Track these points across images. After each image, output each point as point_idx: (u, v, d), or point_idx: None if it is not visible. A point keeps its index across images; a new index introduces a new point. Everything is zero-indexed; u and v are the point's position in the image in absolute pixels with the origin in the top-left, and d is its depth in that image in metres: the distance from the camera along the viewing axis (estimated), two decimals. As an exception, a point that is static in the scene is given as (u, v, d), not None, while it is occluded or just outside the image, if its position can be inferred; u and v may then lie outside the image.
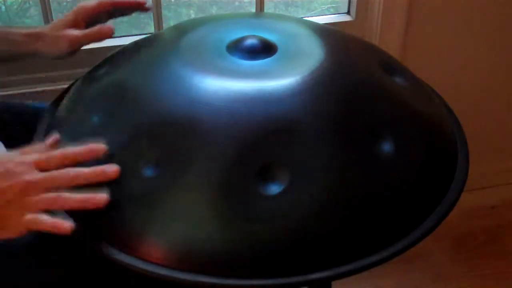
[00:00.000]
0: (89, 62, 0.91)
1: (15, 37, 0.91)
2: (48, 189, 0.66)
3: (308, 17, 1.39)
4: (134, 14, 0.97)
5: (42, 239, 0.79)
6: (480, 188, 1.62)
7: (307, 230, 0.67)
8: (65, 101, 0.86)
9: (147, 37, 0.95)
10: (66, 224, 0.64)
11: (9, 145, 0.86)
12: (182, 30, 0.87)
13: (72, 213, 0.73)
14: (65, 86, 0.92)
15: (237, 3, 1.70)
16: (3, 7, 1.51)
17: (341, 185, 0.69)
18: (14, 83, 1.22)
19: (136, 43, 0.90)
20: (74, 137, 0.77)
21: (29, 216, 0.65)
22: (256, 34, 0.82)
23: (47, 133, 0.82)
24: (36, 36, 0.90)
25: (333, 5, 1.44)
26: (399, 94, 0.80)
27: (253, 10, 1.32)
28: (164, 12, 1.26)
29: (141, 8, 0.95)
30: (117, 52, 0.89)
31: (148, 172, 0.69)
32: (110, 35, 0.89)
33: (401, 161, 0.73)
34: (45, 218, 0.65)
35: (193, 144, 0.69)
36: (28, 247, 0.77)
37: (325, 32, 0.87)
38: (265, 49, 0.80)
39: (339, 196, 0.69)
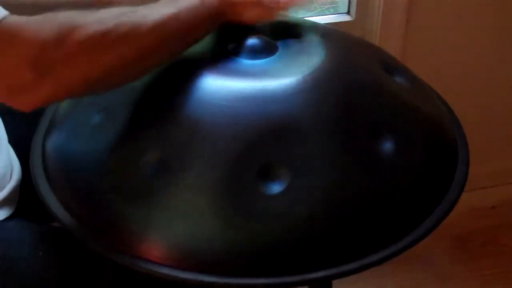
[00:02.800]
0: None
1: None
2: None
3: (308, 17, 1.38)
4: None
5: (42, 239, 0.79)
6: (480, 188, 1.61)
7: (307, 229, 0.67)
8: (66, 100, 0.86)
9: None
10: None
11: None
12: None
13: (72, 213, 0.73)
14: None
15: (237, 3, 1.69)
16: (3, 7, 1.50)
17: (341, 184, 0.69)
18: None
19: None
20: (75, 135, 0.77)
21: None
22: (257, 34, 0.82)
23: (47, 132, 0.82)
24: None
25: (333, 5, 1.44)
26: (399, 94, 0.80)
27: (253, 10, 1.32)
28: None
29: None
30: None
31: (149, 171, 0.69)
32: None
33: (401, 161, 0.73)
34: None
35: (194, 143, 0.69)
36: (28, 247, 0.77)
37: (326, 32, 0.87)
38: (266, 49, 0.80)
39: (339, 196, 0.69)
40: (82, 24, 0.64)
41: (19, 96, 0.65)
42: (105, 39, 0.65)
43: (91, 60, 0.65)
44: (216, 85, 0.74)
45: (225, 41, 0.82)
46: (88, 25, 0.64)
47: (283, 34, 0.83)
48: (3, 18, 0.62)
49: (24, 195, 0.86)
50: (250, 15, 0.78)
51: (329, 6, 1.44)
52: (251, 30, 0.81)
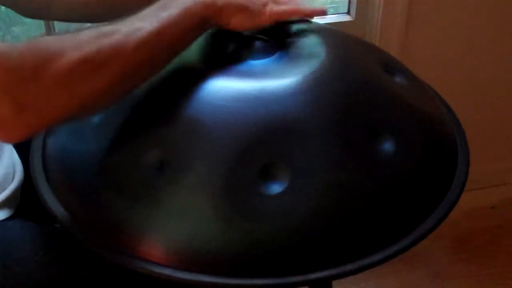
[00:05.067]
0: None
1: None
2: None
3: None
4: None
5: (42, 239, 0.79)
6: (480, 188, 1.62)
7: (307, 229, 0.67)
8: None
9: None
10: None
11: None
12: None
13: (72, 214, 0.73)
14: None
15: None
16: (3, 7, 1.50)
17: (341, 184, 0.69)
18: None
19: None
20: (75, 135, 0.77)
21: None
22: (257, 34, 0.82)
23: (48, 132, 0.82)
24: None
25: (333, 5, 1.44)
26: (399, 94, 0.80)
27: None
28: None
29: None
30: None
31: (149, 171, 0.69)
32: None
33: (401, 161, 0.73)
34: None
35: (195, 144, 0.69)
36: (28, 247, 0.77)
37: (326, 32, 0.87)
38: (266, 49, 0.80)
39: (339, 196, 0.69)
40: (60, 53, 0.61)
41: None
42: (85, 67, 0.63)
43: (71, 92, 0.62)
44: (216, 85, 0.74)
45: (225, 42, 0.82)
46: (66, 54, 0.61)
47: (283, 34, 0.83)
48: None
49: (26, 196, 0.86)
50: (237, 22, 0.77)
51: (329, 6, 1.44)
52: (249, 32, 0.82)
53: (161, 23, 0.68)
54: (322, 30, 0.88)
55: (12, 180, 0.85)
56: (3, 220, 0.81)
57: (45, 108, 0.62)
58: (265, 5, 0.79)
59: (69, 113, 0.64)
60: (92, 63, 0.63)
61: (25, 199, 0.86)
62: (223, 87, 0.74)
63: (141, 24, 0.67)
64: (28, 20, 1.54)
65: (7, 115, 0.60)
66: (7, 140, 0.64)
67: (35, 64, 0.61)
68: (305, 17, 0.85)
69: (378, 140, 0.73)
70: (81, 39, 0.64)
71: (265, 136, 0.69)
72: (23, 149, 0.86)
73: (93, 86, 0.64)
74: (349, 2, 1.36)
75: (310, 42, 0.82)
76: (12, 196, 0.84)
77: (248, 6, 0.77)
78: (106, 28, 0.66)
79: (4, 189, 0.83)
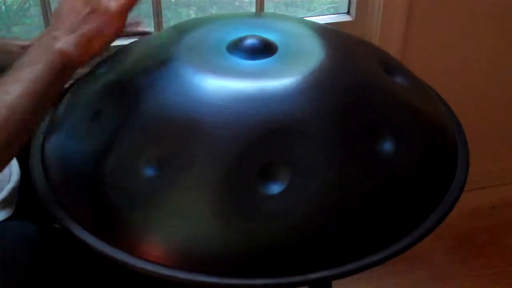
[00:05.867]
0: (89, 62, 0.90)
1: (13, 48, 0.91)
2: None
3: (308, 17, 1.38)
4: (134, 13, 0.97)
5: (42, 239, 0.79)
6: (480, 188, 1.61)
7: (307, 229, 0.67)
8: (65, 100, 0.86)
9: (148, 37, 0.94)
10: None
11: None
12: (182, 30, 0.87)
13: (71, 214, 0.73)
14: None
15: (237, 3, 1.70)
16: (3, 7, 1.51)
17: (341, 184, 0.69)
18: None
19: (136, 43, 0.90)
20: (74, 135, 0.77)
21: None
22: (257, 34, 0.82)
23: (47, 133, 0.82)
24: None
25: (333, 5, 1.44)
26: (399, 94, 0.80)
27: (253, 10, 1.32)
28: (164, 12, 1.26)
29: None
30: (117, 51, 0.89)
31: (148, 171, 0.69)
32: None
33: (401, 160, 0.73)
34: None
35: (194, 144, 0.69)
36: (28, 248, 0.77)
37: (326, 32, 0.87)
38: (266, 49, 0.80)
39: (339, 196, 0.69)
40: None
41: None
42: None
43: None
44: (215, 85, 0.74)
45: (225, 42, 0.82)
46: None
47: (283, 35, 0.83)
48: None
49: (23, 197, 0.86)
50: (100, 44, 0.75)
51: (329, 6, 1.44)
52: (250, 31, 0.82)
53: (27, 84, 0.69)
54: (322, 30, 0.88)
55: (9, 181, 0.85)
56: (2, 221, 0.81)
57: None
58: (105, 12, 0.76)
59: None
60: None
61: (23, 199, 0.86)
62: (223, 87, 0.74)
63: (7, 88, 0.69)
64: (28, 20, 1.55)
65: None
66: None
67: None
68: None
69: (378, 140, 0.73)
70: None
71: (265, 136, 0.69)
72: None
73: None
74: (349, 2, 1.36)
75: (310, 42, 0.82)
76: (9, 197, 0.84)
77: (93, 27, 0.75)
78: None
79: (1, 190, 0.83)
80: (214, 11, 1.72)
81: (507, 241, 1.60)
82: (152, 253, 0.67)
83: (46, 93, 0.71)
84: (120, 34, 0.78)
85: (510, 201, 1.69)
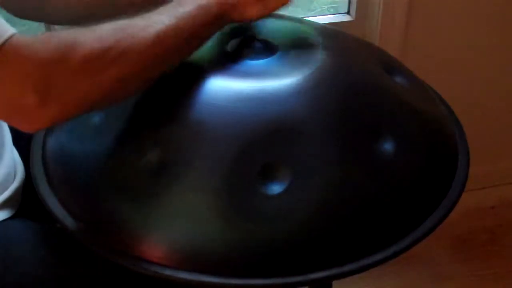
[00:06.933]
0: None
1: (120, 2, 0.88)
2: None
3: (308, 17, 1.38)
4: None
5: (43, 239, 0.79)
6: (480, 188, 1.62)
7: (307, 229, 0.67)
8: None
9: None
10: None
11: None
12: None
13: (72, 214, 0.73)
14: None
15: (237, 3, 1.69)
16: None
17: (342, 185, 0.69)
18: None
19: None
20: (75, 135, 0.77)
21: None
22: (257, 34, 0.82)
23: (46, 133, 0.82)
24: None
25: (333, 5, 1.44)
26: (399, 94, 0.80)
27: (253, 10, 1.32)
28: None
29: None
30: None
31: (149, 171, 0.69)
32: None
33: (401, 161, 0.73)
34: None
35: (195, 144, 0.69)
36: (29, 247, 0.77)
37: (326, 32, 0.87)
38: (266, 49, 0.80)
39: (340, 196, 0.69)
40: (83, 43, 0.63)
41: (22, 119, 0.64)
42: (106, 56, 0.64)
43: (93, 80, 0.64)
44: (216, 85, 0.74)
45: (225, 42, 0.82)
46: (88, 44, 0.63)
47: (283, 35, 0.83)
48: (9, 38, 0.61)
49: (27, 196, 0.86)
50: (251, 13, 0.77)
51: (329, 6, 1.44)
52: (250, 31, 0.82)
53: (178, 18, 0.70)
54: (322, 30, 0.88)
55: (14, 180, 0.85)
56: (4, 220, 0.81)
57: (68, 97, 0.63)
58: None
59: (91, 102, 0.65)
60: (112, 54, 0.64)
61: (26, 199, 0.86)
62: (223, 87, 0.74)
63: (159, 18, 0.69)
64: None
65: (31, 104, 0.62)
66: (30, 130, 0.66)
67: (59, 54, 0.62)
68: None
69: (378, 140, 0.73)
70: (100, 31, 0.65)
71: (265, 137, 0.69)
72: (24, 149, 0.86)
73: (113, 75, 0.65)
74: (349, 2, 1.36)
75: (310, 42, 0.82)
76: (13, 196, 0.84)
77: None
78: (124, 22, 0.68)
79: (6, 189, 0.83)
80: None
81: (507, 241, 1.60)
82: (152, 253, 0.67)
83: (193, 35, 0.72)
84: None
85: (510, 201, 1.69)
